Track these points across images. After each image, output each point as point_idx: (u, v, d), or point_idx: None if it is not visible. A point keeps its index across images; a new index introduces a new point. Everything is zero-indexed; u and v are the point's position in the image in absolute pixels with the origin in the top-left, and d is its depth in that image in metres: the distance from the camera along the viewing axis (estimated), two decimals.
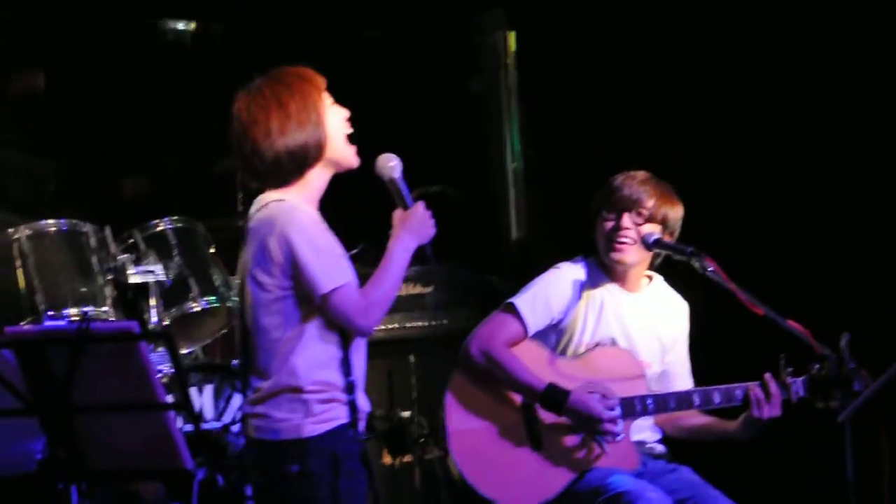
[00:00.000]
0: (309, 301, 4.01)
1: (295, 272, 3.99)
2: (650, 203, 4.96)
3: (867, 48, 5.92)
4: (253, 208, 4.14)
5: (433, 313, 6.57)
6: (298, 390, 3.99)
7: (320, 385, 4.01)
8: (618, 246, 4.97)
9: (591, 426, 4.79)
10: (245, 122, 4.08)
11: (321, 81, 4.15)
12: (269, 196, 4.11)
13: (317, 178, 4.13)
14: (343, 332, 4.04)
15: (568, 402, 4.77)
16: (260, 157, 4.06)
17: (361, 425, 4.11)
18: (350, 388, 4.03)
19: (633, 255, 4.98)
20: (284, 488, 3.98)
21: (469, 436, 4.85)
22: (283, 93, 4.08)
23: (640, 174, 5.03)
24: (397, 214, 4.20)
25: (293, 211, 4.04)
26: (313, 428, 3.98)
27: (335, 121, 4.13)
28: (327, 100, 4.14)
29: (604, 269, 5.06)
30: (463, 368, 4.91)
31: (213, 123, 7.41)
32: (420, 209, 4.19)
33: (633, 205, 4.96)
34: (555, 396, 4.78)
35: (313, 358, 4.01)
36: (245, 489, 5.36)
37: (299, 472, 3.97)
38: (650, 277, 5.13)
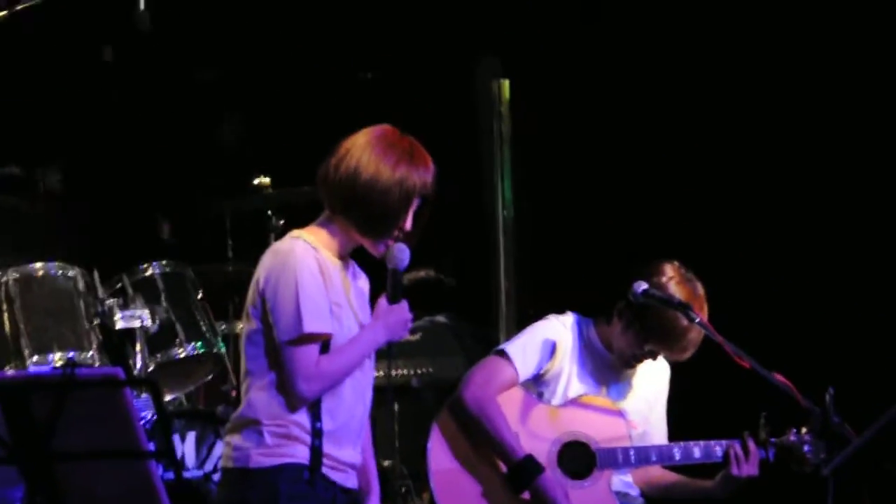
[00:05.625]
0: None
1: (267, 309, 4.01)
2: None
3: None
4: None
5: (419, 361, 6.56)
6: (256, 423, 4.01)
7: (281, 420, 4.01)
8: (636, 365, 5.03)
9: None
10: (372, 150, 4.09)
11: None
12: (295, 231, 4.14)
13: (354, 234, 4.12)
14: None
15: (535, 482, 4.82)
16: (366, 180, 4.04)
17: (336, 475, 4.08)
18: (317, 433, 4.02)
19: None
20: None
21: (452, 476, 4.89)
22: (405, 162, 4.09)
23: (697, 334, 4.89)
24: (382, 304, 4.16)
25: (291, 252, 4.03)
26: (261, 459, 3.99)
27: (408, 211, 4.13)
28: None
29: (594, 332, 5.06)
30: (451, 410, 4.94)
31: (202, 168, 7.45)
32: (405, 311, 4.15)
33: None
34: (526, 471, 4.83)
35: (279, 396, 4.01)
36: None
37: (239, 500, 3.99)
38: None
